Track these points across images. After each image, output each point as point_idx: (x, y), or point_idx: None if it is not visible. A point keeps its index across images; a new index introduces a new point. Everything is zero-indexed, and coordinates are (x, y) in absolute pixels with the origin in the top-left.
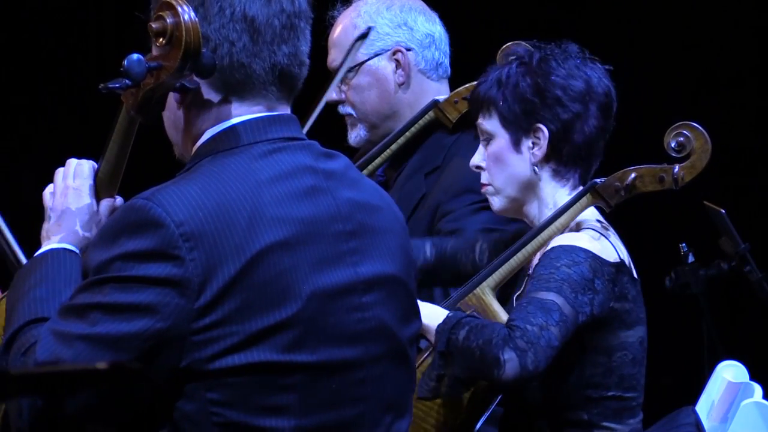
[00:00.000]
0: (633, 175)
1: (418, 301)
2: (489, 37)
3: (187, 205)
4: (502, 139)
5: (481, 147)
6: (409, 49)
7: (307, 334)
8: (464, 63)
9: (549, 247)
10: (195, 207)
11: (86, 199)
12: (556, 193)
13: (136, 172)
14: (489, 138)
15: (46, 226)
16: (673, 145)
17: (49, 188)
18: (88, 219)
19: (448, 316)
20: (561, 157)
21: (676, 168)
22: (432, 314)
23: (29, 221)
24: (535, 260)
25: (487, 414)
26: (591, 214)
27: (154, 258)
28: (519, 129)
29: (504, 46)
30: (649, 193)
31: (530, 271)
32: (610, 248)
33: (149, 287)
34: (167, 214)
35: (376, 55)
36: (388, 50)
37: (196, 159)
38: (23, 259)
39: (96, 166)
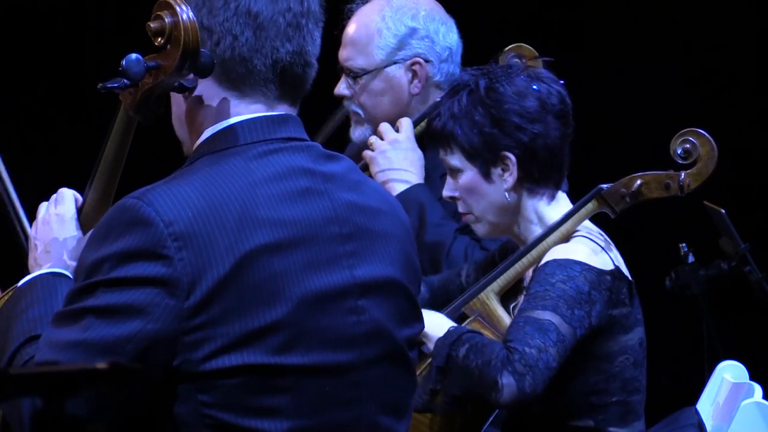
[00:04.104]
0: (639, 181)
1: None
2: (489, 38)
3: (177, 205)
4: (470, 172)
5: (449, 178)
6: (427, 61)
7: (299, 337)
8: (465, 64)
9: (542, 262)
10: (185, 207)
11: (70, 225)
12: (536, 208)
13: (136, 172)
14: (456, 171)
15: (33, 255)
16: (679, 151)
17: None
18: (74, 247)
19: (449, 331)
20: (533, 176)
21: (682, 175)
22: (434, 323)
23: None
24: (530, 272)
25: (490, 419)
26: (585, 223)
27: (143, 257)
28: (485, 161)
29: (506, 48)
30: (655, 200)
31: (525, 284)
32: (604, 256)
33: (139, 287)
34: (157, 213)
35: (395, 62)
36: (407, 60)
37: (193, 158)
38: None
39: (77, 196)
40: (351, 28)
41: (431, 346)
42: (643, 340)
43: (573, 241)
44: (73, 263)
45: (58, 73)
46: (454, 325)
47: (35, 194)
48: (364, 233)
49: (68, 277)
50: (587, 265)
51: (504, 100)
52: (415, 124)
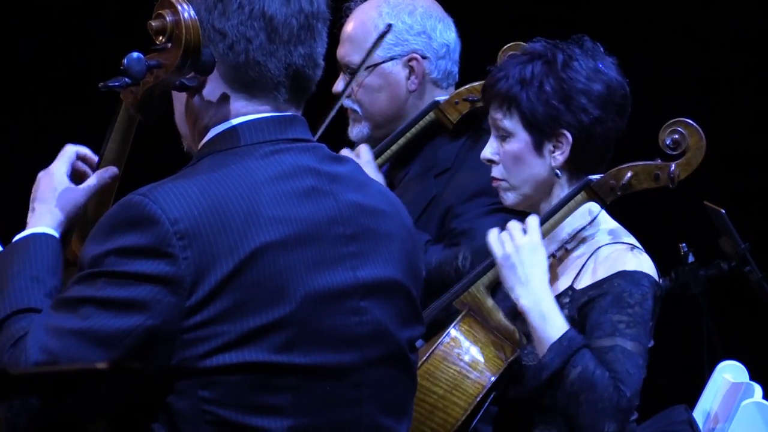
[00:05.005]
0: (629, 173)
1: (536, 283)
2: (488, 37)
3: (183, 203)
4: (522, 139)
5: (493, 141)
6: (424, 57)
7: (301, 336)
8: (464, 63)
9: (612, 272)
10: (191, 205)
11: (60, 180)
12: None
13: (137, 171)
14: (506, 136)
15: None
16: (668, 142)
17: None
18: (63, 198)
19: (563, 340)
20: (580, 161)
21: (672, 166)
22: (545, 309)
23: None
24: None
25: (481, 412)
26: (608, 217)
27: (148, 255)
28: (541, 132)
29: (505, 47)
30: (644, 191)
31: (588, 290)
32: (652, 265)
33: (142, 284)
34: (163, 211)
35: (392, 59)
36: (404, 56)
37: (198, 157)
38: None
39: (81, 152)
40: (349, 26)
41: (533, 334)
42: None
43: (634, 250)
44: (60, 214)
45: (58, 72)
46: (564, 325)
47: None
48: (367, 234)
49: (58, 239)
50: (652, 278)
51: (577, 78)
52: (421, 116)
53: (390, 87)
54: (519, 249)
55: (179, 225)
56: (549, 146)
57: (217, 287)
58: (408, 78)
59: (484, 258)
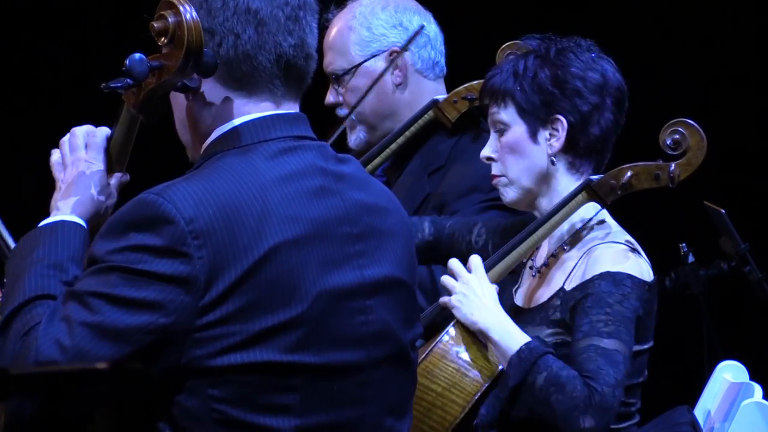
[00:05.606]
0: (629, 173)
1: (491, 307)
2: (487, 37)
3: (197, 203)
4: (518, 129)
5: (492, 139)
6: (404, 49)
7: (312, 335)
8: (462, 63)
9: (596, 272)
10: (205, 205)
11: (99, 166)
12: (569, 186)
13: (138, 172)
14: (503, 129)
15: (56, 196)
16: (668, 142)
17: (56, 155)
18: (102, 184)
19: (524, 350)
20: (577, 150)
21: (672, 166)
22: (501, 327)
23: (29, 221)
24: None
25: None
26: (610, 217)
27: (163, 254)
28: (537, 119)
29: (503, 46)
30: (645, 191)
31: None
32: (646, 267)
33: (156, 283)
34: (177, 210)
35: (372, 56)
36: (384, 51)
37: (205, 157)
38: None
39: (110, 131)
40: (329, 36)
41: (497, 351)
42: (649, 352)
43: (621, 250)
44: (101, 198)
45: (59, 72)
46: (525, 338)
47: (38, 194)
48: (372, 233)
49: (86, 230)
50: (637, 279)
51: (571, 65)
52: (419, 115)
53: (376, 84)
54: (468, 282)
55: (194, 224)
56: (545, 133)
57: (230, 287)
58: (392, 72)
59: (497, 237)
